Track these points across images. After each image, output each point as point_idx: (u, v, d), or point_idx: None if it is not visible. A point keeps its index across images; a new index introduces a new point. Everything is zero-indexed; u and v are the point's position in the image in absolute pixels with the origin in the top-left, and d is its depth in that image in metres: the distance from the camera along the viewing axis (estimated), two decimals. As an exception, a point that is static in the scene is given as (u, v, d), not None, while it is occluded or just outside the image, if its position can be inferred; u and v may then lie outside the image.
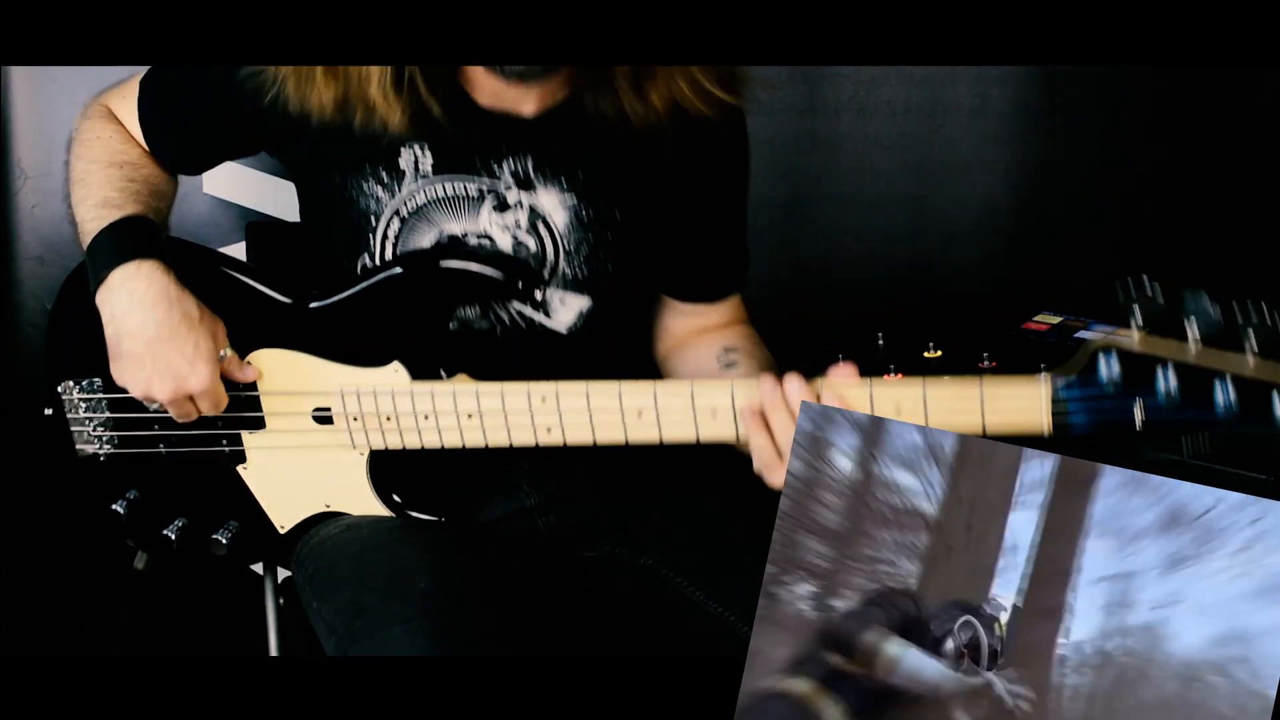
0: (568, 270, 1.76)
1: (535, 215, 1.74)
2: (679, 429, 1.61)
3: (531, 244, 1.74)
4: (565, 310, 1.78)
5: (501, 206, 1.73)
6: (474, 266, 1.70)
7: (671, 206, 1.80)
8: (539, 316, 1.77)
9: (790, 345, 2.08)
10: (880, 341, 2.13)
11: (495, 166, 1.73)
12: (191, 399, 1.70)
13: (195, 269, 1.75)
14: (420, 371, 1.71)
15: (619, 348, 1.85)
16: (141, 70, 1.86)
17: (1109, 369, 1.41)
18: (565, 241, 1.75)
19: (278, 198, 2.62)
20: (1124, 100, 2.62)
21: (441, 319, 1.73)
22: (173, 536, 1.82)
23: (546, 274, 1.75)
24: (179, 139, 1.84)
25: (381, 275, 1.71)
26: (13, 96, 2.65)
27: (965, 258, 2.70)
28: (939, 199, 2.72)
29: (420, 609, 1.59)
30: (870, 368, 2.05)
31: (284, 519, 1.81)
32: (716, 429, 1.61)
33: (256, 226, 2.18)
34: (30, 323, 2.73)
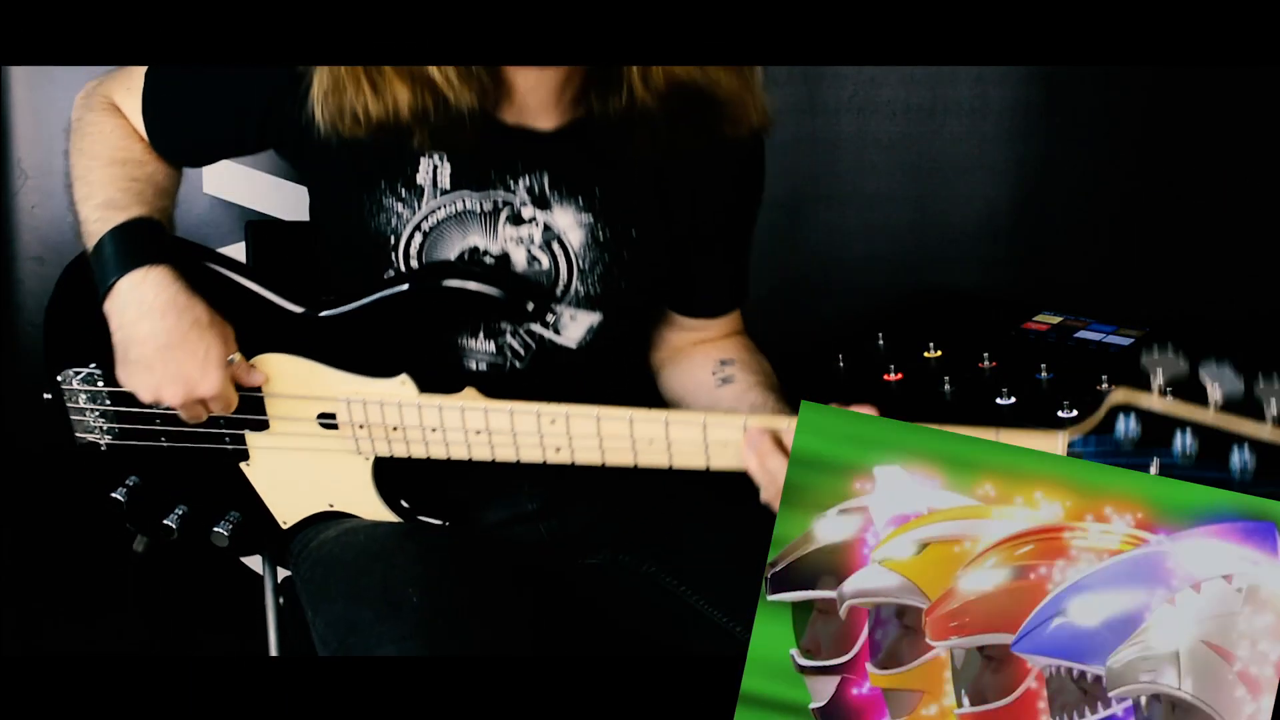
0: (580, 288, 1.74)
1: (550, 233, 1.72)
2: (689, 458, 1.60)
3: (545, 260, 1.73)
4: (575, 326, 1.76)
5: (517, 220, 1.72)
6: (473, 286, 1.68)
7: (688, 225, 1.79)
8: (548, 333, 1.76)
9: (791, 346, 2.08)
10: (880, 341, 2.13)
11: (511, 182, 1.71)
12: (202, 402, 1.69)
13: (202, 272, 1.74)
14: (428, 385, 1.70)
15: (627, 362, 1.85)
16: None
17: (1126, 426, 1.41)
18: (580, 260, 1.73)
19: (278, 197, 2.62)
20: (1124, 100, 2.62)
21: (448, 335, 1.73)
22: (173, 525, 1.81)
23: (559, 292, 1.74)
24: (184, 134, 1.81)
25: (389, 291, 1.70)
26: (13, 96, 2.65)
27: (965, 258, 2.70)
28: (939, 199, 2.72)
29: (414, 627, 1.57)
30: (870, 367, 2.05)
31: (286, 515, 1.81)
32: (727, 459, 1.59)
33: (256, 225, 2.18)
34: (30, 322, 2.73)
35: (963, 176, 2.70)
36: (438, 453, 1.70)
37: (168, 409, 1.73)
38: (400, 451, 1.72)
